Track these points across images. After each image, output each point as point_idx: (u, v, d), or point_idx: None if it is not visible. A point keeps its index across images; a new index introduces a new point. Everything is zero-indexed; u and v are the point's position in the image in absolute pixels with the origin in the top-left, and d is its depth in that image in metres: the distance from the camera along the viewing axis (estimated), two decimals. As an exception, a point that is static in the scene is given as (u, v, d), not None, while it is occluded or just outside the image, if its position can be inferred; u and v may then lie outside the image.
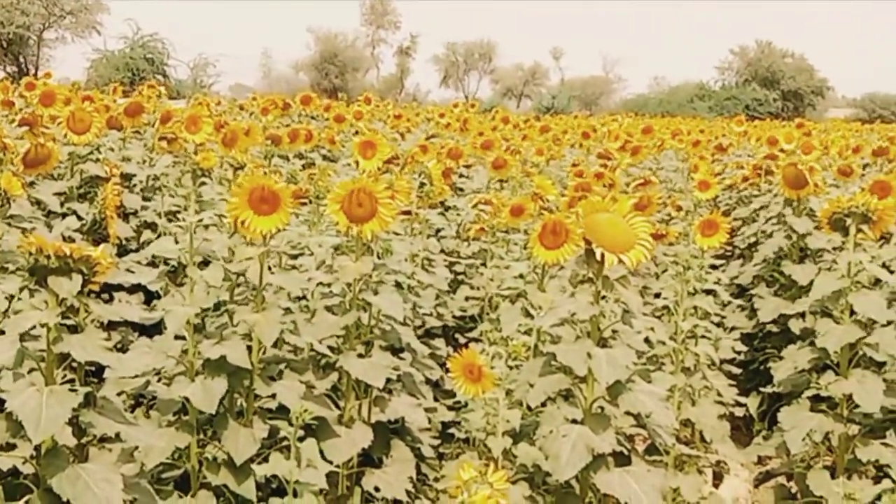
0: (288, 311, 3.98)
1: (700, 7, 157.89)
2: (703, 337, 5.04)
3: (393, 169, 5.49)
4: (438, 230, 6.50)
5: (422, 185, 5.39)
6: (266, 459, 3.43)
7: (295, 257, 4.54)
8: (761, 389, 5.83)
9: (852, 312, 4.36)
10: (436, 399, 4.88)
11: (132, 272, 4.41)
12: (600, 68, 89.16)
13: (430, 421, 4.67)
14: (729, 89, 75.68)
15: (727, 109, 61.69)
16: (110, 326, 4.78)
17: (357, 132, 9.36)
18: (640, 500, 3.15)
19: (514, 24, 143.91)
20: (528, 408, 3.60)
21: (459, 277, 6.20)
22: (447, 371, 5.12)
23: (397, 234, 4.98)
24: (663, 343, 4.52)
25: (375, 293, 4.08)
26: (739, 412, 5.65)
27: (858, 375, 4.30)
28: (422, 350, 4.48)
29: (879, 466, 4.30)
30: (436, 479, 4.48)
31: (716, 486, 5.17)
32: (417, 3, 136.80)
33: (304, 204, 4.89)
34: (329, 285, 4.15)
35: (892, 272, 5.35)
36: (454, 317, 5.73)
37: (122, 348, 4.43)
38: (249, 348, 3.67)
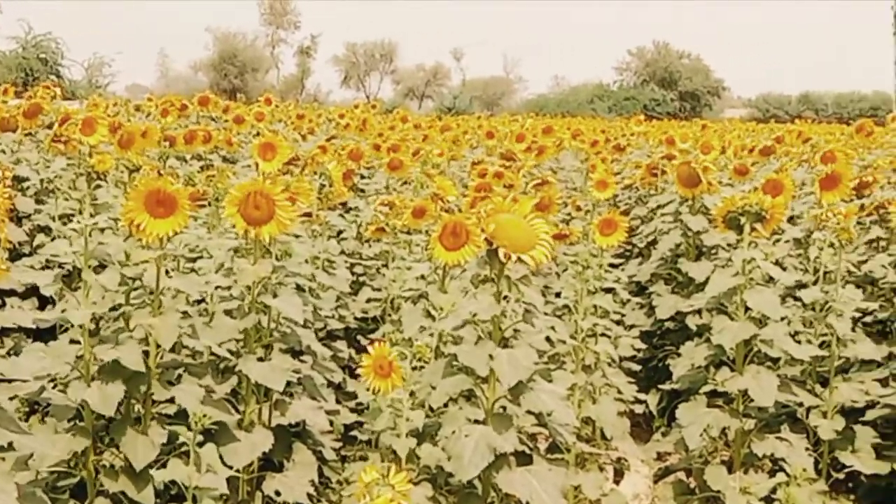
0: (186, 314, 3.93)
1: (598, 8, 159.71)
2: (603, 335, 5.08)
3: (294, 170, 5.45)
4: (340, 232, 6.47)
5: (322, 186, 5.36)
6: (165, 465, 3.39)
7: (193, 260, 4.49)
8: (660, 386, 5.90)
9: (747, 309, 4.44)
10: (338, 401, 4.87)
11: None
12: (501, 69, 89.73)
13: (332, 423, 4.66)
14: (628, 90, 76.83)
15: (626, 109, 62.52)
16: (3, 333, 4.67)
17: (258, 133, 9.28)
18: (541, 499, 3.17)
19: (415, 24, 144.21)
20: (431, 409, 3.60)
21: (361, 279, 6.18)
22: (350, 373, 5.12)
23: (297, 236, 4.94)
24: (564, 342, 4.56)
25: (275, 296, 4.05)
26: (639, 409, 5.71)
27: (753, 371, 4.38)
28: (323, 352, 4.46)
29: (775, 460, 4.39)
30: (338, 482, 4.46)
31: (617, 482, 5.22)
32: (317, 2, 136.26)
33: (203, 206, 4.83)
34: (228, 288, 4.11)
35: (784, 269, 5.47)
36: (356, 318, 5.72)
37: (16, 355, 4.32)
38: (147, 353, 3.62)
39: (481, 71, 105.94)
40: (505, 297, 3.37)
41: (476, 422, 3.34)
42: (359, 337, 5.67)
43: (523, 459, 3.35)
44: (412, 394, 3.46)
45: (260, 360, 3.98)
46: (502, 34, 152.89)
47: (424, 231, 5.44)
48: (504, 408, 3.40)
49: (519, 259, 3.19)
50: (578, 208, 7.41)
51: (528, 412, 3.42)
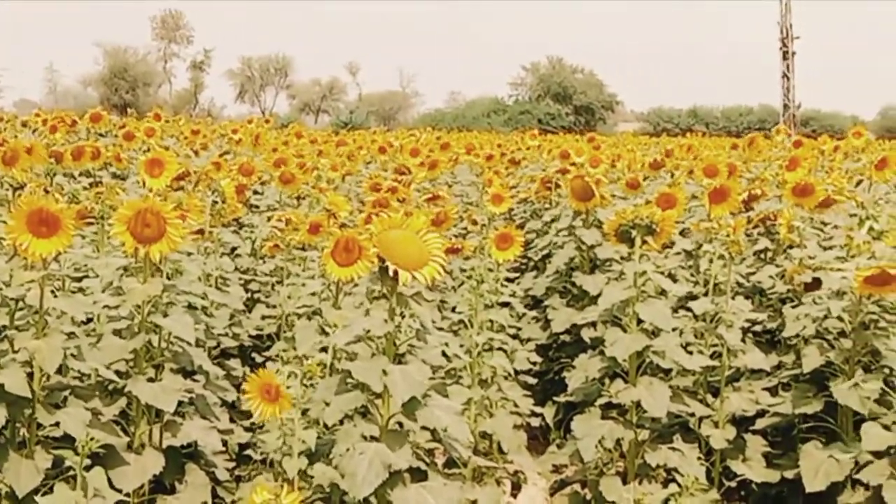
0: (72, 335, 3.83)
1: (493, 24, 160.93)
2: (499, 349, 5.10)
3: (186, 187, 5.38)
4: (233, 248, 6.40)
5: (214, 202, 5.29)
6: (51, 490, 3.30)
7: (80, 279, 4.39)
8: (556, 399, 5.94)
9: (639, 321, 4.49)
10: (232, 420, 4.80)
11: None
12: (397, 84, 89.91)
13: (226, 443, 4.59)
14: (523, 104, 77.51)
15: (521, 123, 63.02)
16: None
17: (149, 149, 9.14)
18: (436, 515, 3.16)
19: (310, 39, 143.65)
20: (326, 426, 3.57)
21: (256, 296, 6.12)
22: (243, 391, 5.04)
23: (189, 253, 4.87)
24: (459, 357, 4.56)
25: (165, 315, 3.97)
26: (536, 422, 5.74)
27: (646, 382, 4.42)
28: (215, 372, 4.39)
29: (669, 470, 4.44)
30: (233, 503, 4.39)
31: (514, 495, 5.23)
32: (211, 17, 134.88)
33: (90, 224, 4.73)
34: (117, 308, 4.02)
35: (676, 281, 5.55)
36: (250, 336, 5.65)
37: None
38: (31, 375, 3.52)
39: (377, 85, 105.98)
40: (399, 314, 3.36)
41: (371, 438, 3.32)
42: (253, 354, 5.61)
43: (419, 475, 3.33)
44: (305, 412, 3.43)
45: (150, 380, 3.90)
46: (398, 49, 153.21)
47: (320, 247, 5.40)
48: (401, 423, 3.38)
49: (412, 276, 3.17)
50: (475, 222, 7.43)
51: (424, 428, 3.41)
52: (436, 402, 3.36)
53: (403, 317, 3.47)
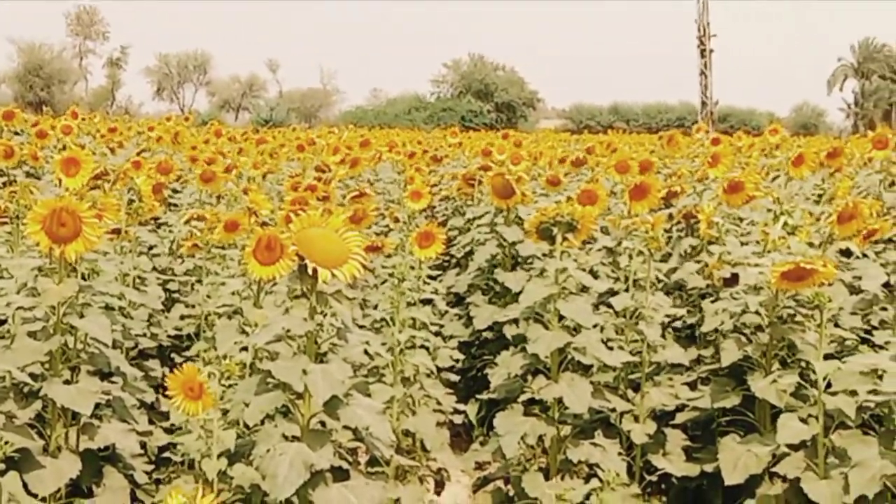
0: (-16, 337, 3.74)
1: (414, 21, 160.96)
2: (421, 347, 5.09)
3: (103, 185, 5.29)
4: (151, 247, 6.31)
5: (132, 201, 5.21)
6: (-36, 497, 3.22)
7: (-8, 281, 4.29)
8: (479, 396, 5.94)
9: (561, 318, 4.51)
10: (151, 422, 4.73)
11: None
12: (318, 81, 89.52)
13: (145, 445, 4.52)
14: (445, 101, 77.60)
15: (444, 120, 63.14)
16: None
17: (64, 147, 8.98)
18: (358, 515, 3.15)
19: (229, 35, 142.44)
20: (247, 427, 3.54)
21: (174, 296, 6.03)
22: (163, 392, 4.97)
23: (106, 253, 4.79)
24: (379, 355, 4.53)
25: (81, 316, 3.90)
26: (459, 419, 5.73)
27: (568, 379, 4.44)
28: (133, 373, 4.32)
29: (591, 465, 4.47)
30: (152, 506, 4.33)
31: (438, 493, 5.22)
32: (127, 13, 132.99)
33: (4, 223, 4.63)
34: (31, 309, 3.93)
35: (597, 277, 5.58)
36: (170, 336, 5.58)
37: None
38: (-58, 379, 3.44)
39: (298, 83, 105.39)
40: (320, 312, 3.34)
41: (293, 438, 3.29)
42: (173, 355, 5.54)
43: (341, 475, 3.31)
44: (225, 412, 3.39)
45: (66, 382, 3.83)
46: (319, 46, 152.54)
47: (240, 246, 5.34)
48: (323, 423, 3.36)
49: (331, 274, 3.15)
50: (396, 220, 7.42)
51: (346, 427, 3.39)
52: (357, 401, 3.35)
53: (325, 315, 3.45)
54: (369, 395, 3.99)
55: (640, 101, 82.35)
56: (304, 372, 3.22)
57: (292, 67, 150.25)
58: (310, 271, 3.17)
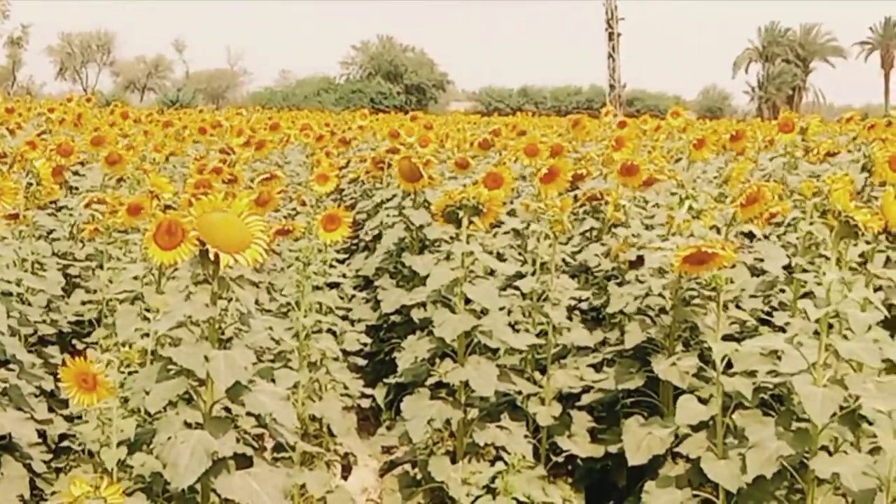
0: None
1: (323, 1, 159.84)
2: (328, 331, 5.06)
3: (0, 168, 5.16)
4: (50, 232, 6.17)
5: (29, 184, 5.09)
6: None
7: None
8: (386, 380, 5.94)
9: (467, 301, 4.51)
10: (51, 410, 4.64)
11: None
12: (225, 61, 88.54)
13: (44, 434, 4.43)
14: (354, 83, 77.34)
15: (353, 102, 62.94)
16: None
17: (-40, 129, 8.74)
18: (261, 501, 3.12)
19: (135, 15, 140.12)
20: (149, 414, 3.48)
21: (75, 281, 5.91)
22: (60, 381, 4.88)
23: (3, 238, 4.68)
24: (282, 341, 4.50)
25: (-24, 303, 3.81)
26: (367, 403, 5.71)
27: (475, 362, 4.45)
28: (30, 360, 4.23)
29: (498, 448, 4.48)
30: (53, 494, 4.25)
31: (345, 478, 5.21)
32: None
33: None
34: (-78, 297, 3.83)
35: (504, 260, 5.60)
36: (70, 322, 5.47)
37: None
38: None
39: (205, 63, 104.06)
40: (223, 298, 3.29)
41: (196, 425, 3.25)
42: (74, 341, 5.43)
43: (244, 462, 3.28)
44: (126, 400, 3.34)
45: (-39, 371, 3.74)
46: (226, 26, 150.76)
47: (142, 230, 5.24)
48: (228, 409, 3.32)
49: (234, 259, 3.10)
50: (303, 203, 7.35)
51: (249, 413, 3.36)
52: (261, 388, 3.31)
53: (230, 301, 3.40)
54: (274, 381, 3.95)
55: (549, 84, 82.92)
56: (207, 358, 3.17)
57: (199, 48, 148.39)
58: (211, 256, 3.12)
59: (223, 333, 3.50)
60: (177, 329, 3.41)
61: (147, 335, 3.97)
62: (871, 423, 3.30)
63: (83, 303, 5.61)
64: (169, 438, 3.15)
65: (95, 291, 5.55)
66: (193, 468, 3.07)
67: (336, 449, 5.06)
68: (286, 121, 16.35)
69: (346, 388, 5.11)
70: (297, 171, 10.70)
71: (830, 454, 3.40)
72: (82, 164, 8.15)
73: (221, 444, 3.14)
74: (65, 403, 4.73)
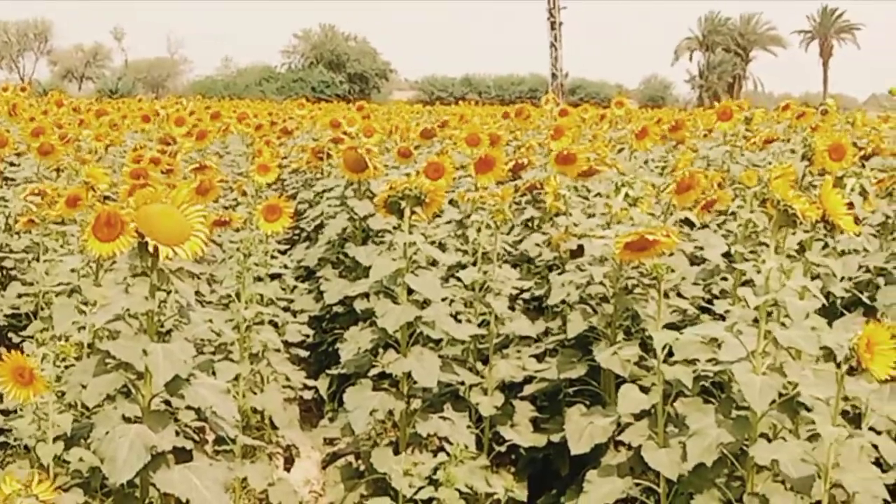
0: None
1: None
2: (270, 322, 5.02)
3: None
4: (-16, 223, 6.08)
5: (-37, 176, 5.00)
6: None
7: None
8: (329, 371, 5.91)
9: (410, 292, 4.49)
10: (-13, 405, 4.56)
11: None
12: (165, 50, 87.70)
13: (-21, 429, 4.35)
14: (296, 72, 76.95)
15: (295, 91, 62.62)
16: None
17: None
18: (201, 496, 3.09)
19: (72, 3, 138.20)
20: (86, 409, 3.43)
21: (11, 273, 5.83)
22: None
23: (-66, 230, 4.59)
24: (223, 333, 4.46)
25: None
26: (309, 395, 5.69)
27: (417, 353, 4.44)
28: (-37, 355, 4.15)
29: (441, 438, 4.48)
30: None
31: (287, 470, 5.19)
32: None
33: None
34: None
35: (446, 250, 5.59)
36: (6, 315, 5.39)
37: None
38: None
39: (145, 52, 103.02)
40: (163, 290, 3.25)
41: (135, 419, 3.21)
42: (10, 334, 5.35)
43: (184, 456, 3.24)
44: (62, 395, 3.29)
45: None
46: (166, 14, 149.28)
47: (79, 222, 5.17)
48: (168, 402, 3.28)
49: (173, 251, 3.07)
50: (244, 193, 7.29)
51: (189, 407, 3.32)
52: (201, 381, 3.28)
53: (169, 293, 3.36)
54: (214, 374, 3.93)
55: (492, 73, 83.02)
56: (145, 352, 3.13)
57: (138, 36, 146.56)
58: (150, 248, 3.08)
59: (162, 326, 3.47)
60: (115, 322, 3.35)
61: (84, 328, 3.92)
62: (809, 410, 3.34)
63: (19, 295, 5.52)
64: (107, 433, 3.11)
65: (32, 284, 5.46)
66: (132, 463, 3.03)
67: (278, 441, 5.04)
68: (227, 110, 16.23)
69: (288, 379, 5.08)
70: (238, 161, 10.63)
71: (770, 441, 3.43)
72: (18, 154, 8.03)
73: (160, 439, 3.11)
74: None
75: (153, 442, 3.08)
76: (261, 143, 9.71)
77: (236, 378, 4.51)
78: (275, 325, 5.17)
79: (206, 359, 4.10)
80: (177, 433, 3.24)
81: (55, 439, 3.23)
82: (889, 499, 3.17)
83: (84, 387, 3.20)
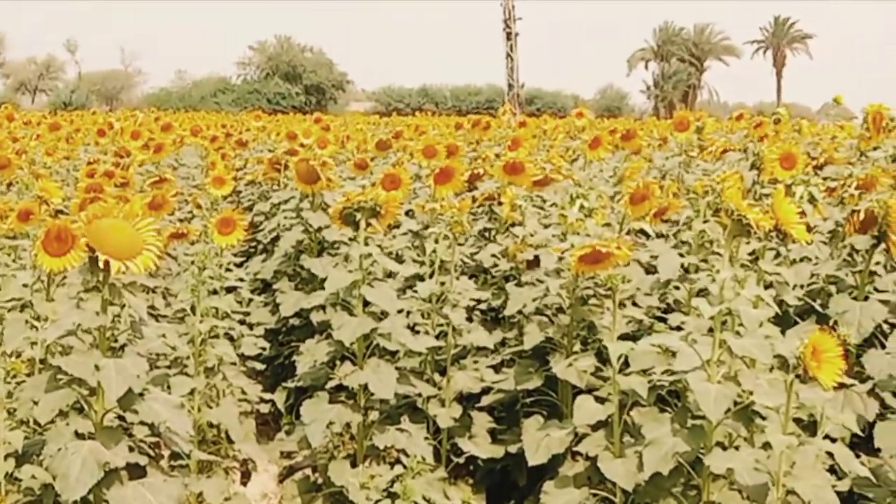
0: None
1: (219, 1, 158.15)
2: (226, 336, 4.99)
3: None
4: (-65, 238, 5.99)
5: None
6: None
7: None
8: (286, 384, 5.88)
9: (366, 304, 4.48)
10: (-63, 423, 4.49)
11: None
12: (119, 62, 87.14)
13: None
14: (252, 83, 76.69)
15: (251, 103, 62.42)
16: None
17: None
18: (156, 513, 3.06)
19: (25, 15, 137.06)
20: (38, 425, 3.39)
21: (-38, 288, 5.74)
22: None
23: None
24: (176, 347, 4.43)
25: None
26: (266, 408, 5.66)
27: (374, 365, 4.43)
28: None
29: (399, 450, 4.46)
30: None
31: (245, 484, 5.15)
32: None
33: None
34: None
35: (402, 262, 5.58)
36: (-45, 332, 5.30)
37: None
38: None
39: (99, 64, 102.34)
40: (117, 305, 3.22)
41: (89, 435, 3.17)
42: (-39, 352, 5.27)
43: (138, 472, 3.22)
44: (13, 411, 3.25)
45: None
46: (120, 26, 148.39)
47: (32, 236, 5.11)
48: (123, 418, 3.25)
49: (125, 266, 3.04)
50: (199, 206, 7.24)
51: (143, 423, 3.29)
52: (154, 396, 3.25)
53: (122, 307, 3.33)
54: (169, 388, 3.90)
55: (448, 84, 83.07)
56: (97, 367, 3.10)
57: (92, 48, 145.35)
58: (101, 263, 3.05)
59: (116, 341, 3.44)
60: (67, 337, 3.32)
61: (36, 344, 3.87)
62: (763, 419, 3.36)
63: (-30, 311, 5.45)
64: (59, 449, 3.08)
65: (-18, 300, 5.39)
66: (84, 480, 3.00)
67: (235, 455, 5.00)
68: (183, 122, 16.14)
69: (244, 393, 5.05)
70: (193, 174, 10.56)
71: (725, 450, 3.44)
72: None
73: (113, 455, 3.08)
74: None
75: (106, 458, 3.05)
76: (215, 154, 9.66)
77: (191, 392, 4.48)
78: (230, 338, 5.14)
79: (160, 373, 4.08)
80: (130, 449, 3.21)
81: (6, 456, 3.19)
82: (842, 506, 3.20)
83: (36, 403, 3.16)
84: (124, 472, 3.13)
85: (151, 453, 3.50)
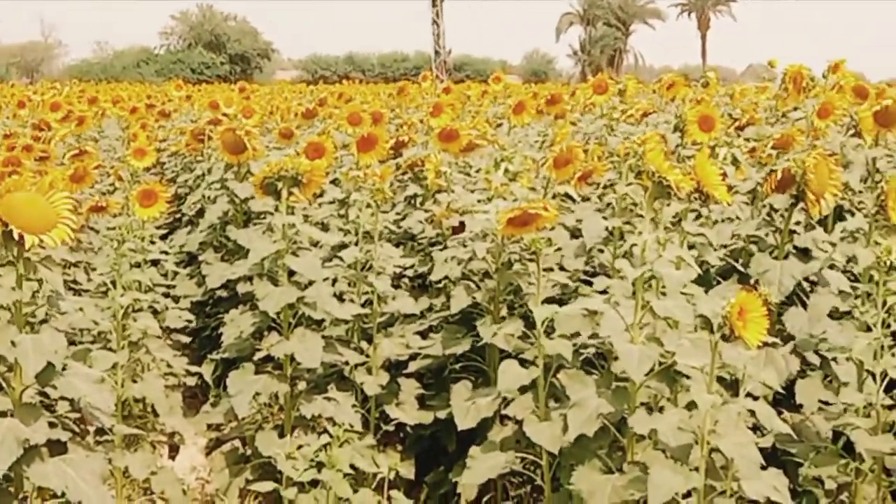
0: None
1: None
2: (150, 309, 4.94)
3: None
4: None
5: None
6: None
7: None
8: (213, 356, 5.82)
9: (291, 273, 4.45)
10: None
11: None
12: (38, 33, 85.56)
13: None
14: (175, 53, 75.77)
15: (175, 73, 61.55)
16: None
17: None
18: (78, 487, 3.04)
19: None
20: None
21: None
22: None
23: None
24: (97, 322, 4.37)
25: None
26: (193, 381, 5.59)
27: (300, 334, 4.40)
28: None
29: (328, 419, 4.45)
30: None
31: (172, 457, 5.11)
32: None
33: None
34: None
35: (328, 230, 5.54)
36: None
37: None
38: None
39: (17, 36, 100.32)
40: (37, 280, 3.17)
41: (10, 413, 3.12)
42: None
43: (59, 448, 3.18)
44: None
45: None
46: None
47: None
48: (46, 393, 3.21)
49: (39, 240, 2.99)
50: (120, 178, 7.13)
51: (63, 398, 3.25)
52: (74, 371, 3.22)
53: (41, 282, 3.28)
54: (90, 364, 3.84)
55: (375, 51, 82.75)
56: (13, 343, 3.05)
57: (9, 19, 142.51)
58: (15, 237, 2.99)
59: (34, 316, 3.38)
60: (-17, 314, 3.27)
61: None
62: (687, 379, 3.39)
63: None
64: (-24, 429, 3.03)
65: None
66: (3, 457, 2.96)
67: (161, 429, 4.95)
68: (104, 94, 15.89)
69: (169, 366, 4.99)
70: (114, 146, 10.40)
71: (651, 411, 3.47)
72: None
73: (33, 432, 3.04)
74: None
75: (25, 435, 3.02)
76: (136, 126, 9.51)
77: (114, 367, 4.41)
78: (154, 311, 5.08)
79: (81, 349, 4.03)
80: (52, 425, 3.18)
81: (-78, 437, 3.13)
82: (763, 461, 3.24)
83: (-51, 382, 3.11)
84: (45, 449, 3.09)
85: (76, 429, 3.46)
